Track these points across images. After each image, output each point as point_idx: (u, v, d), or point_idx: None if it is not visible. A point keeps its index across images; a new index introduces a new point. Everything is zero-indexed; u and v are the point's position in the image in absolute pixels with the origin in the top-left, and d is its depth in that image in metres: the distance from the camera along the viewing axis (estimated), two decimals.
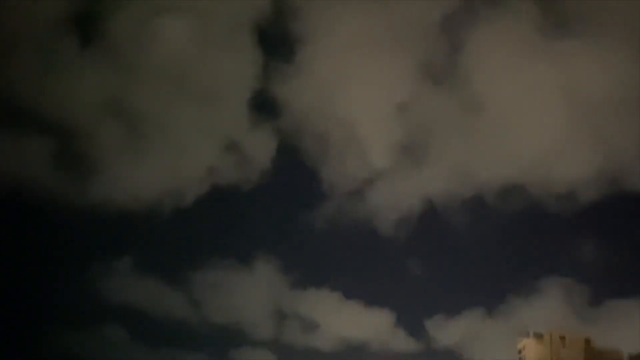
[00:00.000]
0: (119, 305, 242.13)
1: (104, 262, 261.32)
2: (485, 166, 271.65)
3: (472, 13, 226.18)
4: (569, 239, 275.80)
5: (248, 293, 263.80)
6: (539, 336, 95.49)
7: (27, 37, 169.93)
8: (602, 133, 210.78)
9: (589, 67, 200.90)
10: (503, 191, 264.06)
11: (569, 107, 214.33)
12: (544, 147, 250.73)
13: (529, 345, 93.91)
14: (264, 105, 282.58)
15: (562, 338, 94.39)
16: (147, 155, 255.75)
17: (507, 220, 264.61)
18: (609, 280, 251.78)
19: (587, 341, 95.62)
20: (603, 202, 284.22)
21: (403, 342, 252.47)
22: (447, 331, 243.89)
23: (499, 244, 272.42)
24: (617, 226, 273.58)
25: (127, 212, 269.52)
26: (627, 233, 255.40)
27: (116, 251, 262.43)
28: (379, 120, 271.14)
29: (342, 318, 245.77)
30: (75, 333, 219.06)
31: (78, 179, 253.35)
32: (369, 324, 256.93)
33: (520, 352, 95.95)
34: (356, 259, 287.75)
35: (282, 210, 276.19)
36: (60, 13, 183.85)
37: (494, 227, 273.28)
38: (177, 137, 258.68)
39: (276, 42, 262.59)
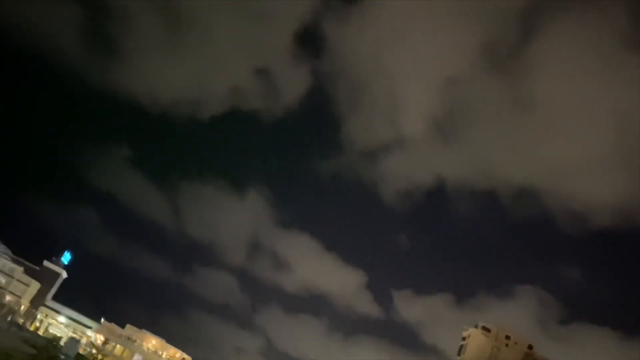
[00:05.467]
0: (101, 191, 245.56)
1: (102, 146, 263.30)
2: (511, 164, 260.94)
3: (555, 0, 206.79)
4: (563, 256, 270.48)
5: (231, 217, 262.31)
6: (486, 329, 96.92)
7: None
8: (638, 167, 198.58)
9: None
10: (518, 193, 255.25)
11: (616, 132, 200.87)
12: (576, 162, 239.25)
13: (474, 335, 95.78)
14: (309, 41, 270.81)
15: (508, 337, 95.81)
16: (177, 57, 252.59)
17: (511, 222, 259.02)
18: (587, 305, 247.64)
19: (530, 347, 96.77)
20: (612, 233, 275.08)
21: (367, 305, 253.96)
22: (412, 307, 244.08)
23: (494, 242, 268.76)
24: (617, 261, 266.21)
25: (140, 107, 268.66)
26: (625, 269, 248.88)
27: (116, 140, 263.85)
28: (422, 88, 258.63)
29: (315, 266, 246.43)
30: (50, 206, 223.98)
31: (102, 59, 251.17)
32: (339, 279, 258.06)
33: (464, 339, 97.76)
34: (348, 216, 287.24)
35: (293, 151, 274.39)
36: None
37: (495, 224, 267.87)
38: (212, 46, 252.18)
39: None
